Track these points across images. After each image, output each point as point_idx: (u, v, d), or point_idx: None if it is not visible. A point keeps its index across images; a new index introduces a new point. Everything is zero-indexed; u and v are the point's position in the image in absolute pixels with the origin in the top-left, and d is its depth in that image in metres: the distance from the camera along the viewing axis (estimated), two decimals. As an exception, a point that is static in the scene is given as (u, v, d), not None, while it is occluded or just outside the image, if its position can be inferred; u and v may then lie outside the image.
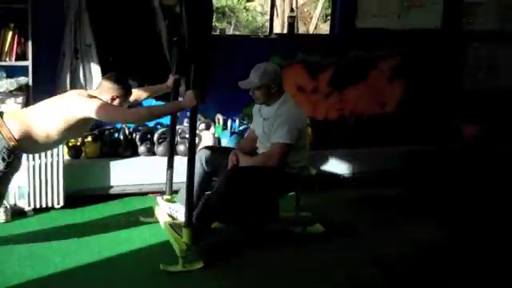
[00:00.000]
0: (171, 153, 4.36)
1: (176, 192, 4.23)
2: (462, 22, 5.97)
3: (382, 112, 5.83)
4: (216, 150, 4.17)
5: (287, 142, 3.75)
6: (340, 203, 4.80)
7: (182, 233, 3.58)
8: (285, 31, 5.84)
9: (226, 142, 5.04)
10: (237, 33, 12.37)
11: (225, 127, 5.13)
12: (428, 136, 5.66)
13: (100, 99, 3.44)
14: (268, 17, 5.62)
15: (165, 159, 4.43)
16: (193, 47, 4.74)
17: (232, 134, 5.07)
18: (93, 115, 3.35)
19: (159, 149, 4.86)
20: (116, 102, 3.52)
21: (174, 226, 3.79)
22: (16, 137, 3.30)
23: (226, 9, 12.78)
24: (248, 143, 4.15)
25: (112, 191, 4.70)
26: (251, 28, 12.87)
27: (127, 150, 4.87)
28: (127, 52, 4.75)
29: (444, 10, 5.87)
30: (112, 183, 4.70)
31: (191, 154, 3.53)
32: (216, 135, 5.01)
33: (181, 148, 4.85)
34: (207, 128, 5.09)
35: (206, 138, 4.93)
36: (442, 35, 5.91)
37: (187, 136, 4.26)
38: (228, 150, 4.13)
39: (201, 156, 3.99)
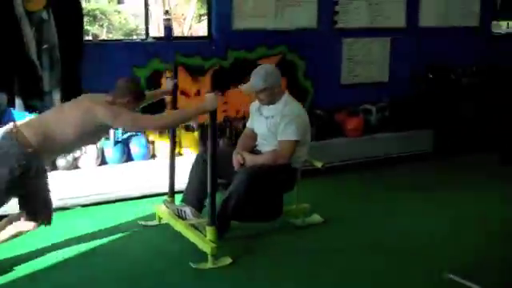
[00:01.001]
0: (172, 155, 4.38)
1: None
2: (335, 20, 6.12)
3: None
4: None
5: (296, 138, 3.98)
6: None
7: (206, 232, 3.70)
8: (160, 34, 5.65)
9: (110, 151, 4.83)
10: (110, 36, 12.00)
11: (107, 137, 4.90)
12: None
13: (118, 107, 3.47)
14: (141, 19, 5.43)
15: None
16: (65, 54, 4.53)
17: (116, 143, 4.85)
18: (113, 124, 3.47)
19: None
20: (129, 107, 3.55)
21: (198, 227, 3.90)
22: (32, 143, 3.31)
23: (98, 12, 12.35)
24: (247, 142, 4.25)
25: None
26: (125, 30, 12.53)
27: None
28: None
29: (318, 9, 5.99)
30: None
31: (212, 159, 3.64)
32: (99, 146, 4.76)
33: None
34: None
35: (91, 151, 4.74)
36: (318, 33, 6.03)
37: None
38: (225, 151, 4.27)
39: (201, 156, 4.13)
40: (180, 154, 5.06)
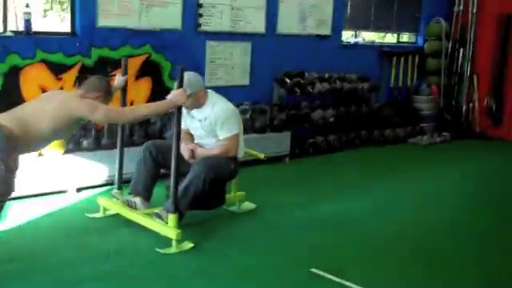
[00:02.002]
0: (121, 147, 4.51)
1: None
2: (199, 22, 6.23)
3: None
4: (161, 143, 4.54)
5: (236, 132, 4.39)
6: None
7: (168, 219, 3.98)
8: (19, 28, 5.39)
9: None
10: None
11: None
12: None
13: (93, 100, 3.58)
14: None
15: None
16: None
17: None
18: (90, 116, 3.57)
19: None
20: (99, 102, 3.63)
21: (158, 215, 4.09)
22: (14, 134, 3.31)
23: None
24: (189, 137, 4.50)
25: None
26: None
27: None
28: None
29: (183, 10, 6.07)
30: None
31: (177, 148, 3.93)
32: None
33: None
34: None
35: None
36: (181, 35, 6.10)
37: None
38: (171, 143, 4.19)
39: (148, 148, 4.41)
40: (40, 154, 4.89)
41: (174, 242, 3.93)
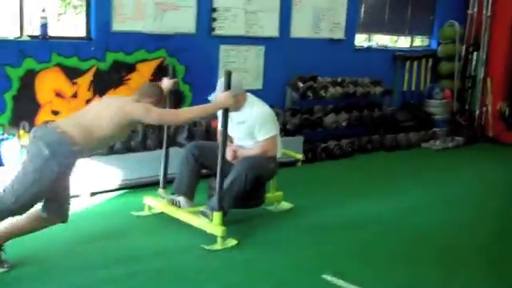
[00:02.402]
0: (166, 149, 4.76)
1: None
2: (213, 26, 6.24)
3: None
4: (203, 145, 4.80)
5: (275, 133, 4.60)
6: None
7: (213, 216, 4.17)
8: (35, 32, 5.41)
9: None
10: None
11: None
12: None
13: (147, 103, 3.81)
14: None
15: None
16: None
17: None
18: (146, 118, 3.78)
19: None
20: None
21: (204, 213, 4.28)
22: (78, 140, 3.48)
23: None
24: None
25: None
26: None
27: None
28: None
29: (197, 14, 6.08)
30: None
31: (223, 148, 4.20)
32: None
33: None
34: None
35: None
36: (196, 39, 6.11)
37: None
38: (211, 144, 4.77)
39: (191, 150, 4.66)
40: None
41: (219, 239, 4.12)
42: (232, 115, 4.41)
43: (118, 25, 5.55)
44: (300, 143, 6.57)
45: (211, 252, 4.04)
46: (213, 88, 6.36)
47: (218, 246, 4.10)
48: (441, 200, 5.65)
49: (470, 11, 8.93)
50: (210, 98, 4.41)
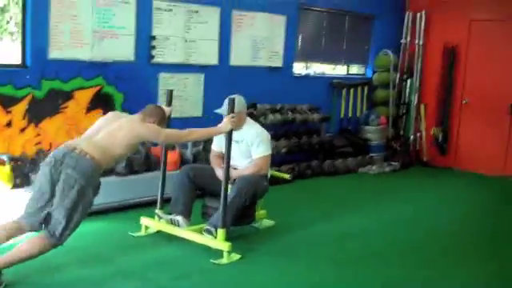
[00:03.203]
0: (163, 172, 5.01)
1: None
2: (152, 54, 6.25)
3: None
4: (198, 167, 5.17)
5: (269, 152, 4.99)
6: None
7: (218, 233, 4.45)
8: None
9: None
10: None
11: None
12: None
13: (155, 125, 4.17)
14: None
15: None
16: None
17: None
18: (155, 137, 4.21)
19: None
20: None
21: (209, 231, 4.55)
22: (101, 162, 3.78)
23: None
24: (219, 160, 4.95)
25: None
26: None
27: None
28: None
29: (136, 42, 6.08)
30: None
31: (227, 172, 4.50)
32: None
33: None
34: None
35: None
36: (135, 67, 6.10)
37: None
38: (204, 167, 5.17)
39: (186, 171, 4.96)
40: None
41: (225, 254, 4.40)
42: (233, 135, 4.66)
43: (55, 52, 5.49)
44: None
45: (220, 266, 4.34)
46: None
47: (224, 261, 4.38)
48: (382, 222, 5.86)
49: (403, 40, 9.28)
50: (216, 111, 4.90)
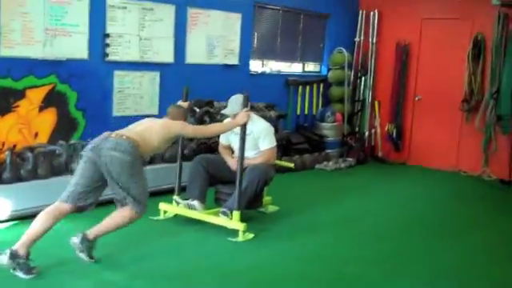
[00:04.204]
0: (180, 161, 5.60)
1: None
2: (107, 52, 6.19)
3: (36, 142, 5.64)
4: (210, 157, 5.71)
5: (275, 144, 5.55)
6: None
7: (233, 215, 5.03)
8: None
9: None
10: None
11: None
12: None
13: (182, 121, 4.73)
14: None
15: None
16: None
17: None
18: (184, 132, 4.75)
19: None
20: None
21: (225, 213, 5.11)
22: (139, 143, 4.24)
23: None
24: (228, 151, 5.63)
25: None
26: None
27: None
28: None
29: (89, 40, 6.01)
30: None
31: (241, 165, 5.07)
32: None
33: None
34: None
35: None
36: (89, 65, 6.03)
37: None
38: (215, 157, 5.76)
39: (200, 161, 5.52)
40: None
41: (240, 233, 4.97)
42: (237, 129, 5.13)
43: (5, 50, 5.37)
44: (197, 168, 6.59)
45: (238, 243, 4.92)
46: (106, 114, 6.38)
47: (240, 239, 4.96)
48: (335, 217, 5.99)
49: (357, 39, 9.45)
50: (223, 112, 5.60)
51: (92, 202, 4.18)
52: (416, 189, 7.69)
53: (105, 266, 4.19)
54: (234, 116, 5.18)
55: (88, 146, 4.18)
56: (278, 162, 5.98)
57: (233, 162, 5.40)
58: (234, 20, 7.60)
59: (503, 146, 8.20)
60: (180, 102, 5.29)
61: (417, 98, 9.14)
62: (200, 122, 6.92)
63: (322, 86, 9.14)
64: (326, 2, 9.06)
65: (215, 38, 7.38)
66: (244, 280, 4.18)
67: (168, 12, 6.75)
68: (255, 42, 8.14)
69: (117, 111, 6.34)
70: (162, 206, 5.46)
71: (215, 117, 7.04)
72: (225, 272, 4.29)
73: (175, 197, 5.44)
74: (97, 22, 6.05)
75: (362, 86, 9.48)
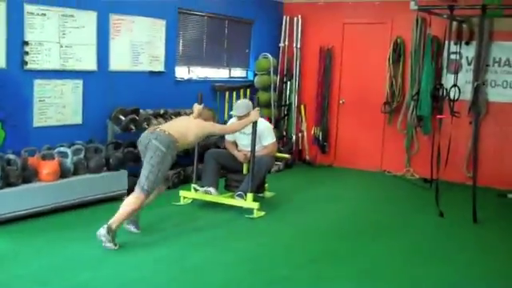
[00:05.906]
0: (197, 157, 6.74)
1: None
2: (25, 60, 5.96)
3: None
4: (219, 151, 6.97)
5: (275, 139, 6.80)
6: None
7: (246, 197, 6.19)
8: None
9: None
10: None
11: None
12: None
13: (211, 122, 5.79)
14: None
15: None
16: None
17: None
18: (213, 131, 5.88)
19: None
20: None
21: (240, 195, 6.29)
22: (178, 140, 5.25)
23: None
24: (233, 146, 6.79)
25: None
26: None
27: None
28: None
29: (7, 48, 5.77)
30: None
31: (253, 157, 6.27)
32: None
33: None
34: None
35: None
36: (6, 74, 5.80)
37: None
38: (223, 151, 6.96)
39: (212, 154, 6.71)
40: None
41: (255, 211, 6.13)
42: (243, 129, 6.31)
43: None
44: (124, 177, 6.49)
45: (254, 219, 6.07)
46: (26, 125, 6.15)
47: (255, 216, 6.11)
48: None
49: (281, 44, 9.56)
50: (231, 113, 6.72)
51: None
52: (342, 190, 7.85)
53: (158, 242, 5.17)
54: (240, 118, 6.30)
55: (139, 140, 5.29)
56: (277, 154, 7.17)
57: (240, 154, 6.66)
58: (159, 26, 7.52)
59: (424, 146, 8.49)
60: (196, 105, 5.90)
61: (341, 101, 9.35)
62: (126, 129, 6.79)
63: (248, 91, 9.18)
64: (251, 8, 9.12)
65: (140, 45, 7.27)
66: (270, 238, 5.53)
67: (89, 19, 6.58)
68: (181, 48, 8.08)
69: (38, 121, 6.11)
70: (182, 192, 6.53)
71: (141, 124, 6.92)
72: (254, 233, 5.63)
73: (194, 184, 6.52)
74: (14, 30, 5.82)
75: (288, 91, 9.60)
